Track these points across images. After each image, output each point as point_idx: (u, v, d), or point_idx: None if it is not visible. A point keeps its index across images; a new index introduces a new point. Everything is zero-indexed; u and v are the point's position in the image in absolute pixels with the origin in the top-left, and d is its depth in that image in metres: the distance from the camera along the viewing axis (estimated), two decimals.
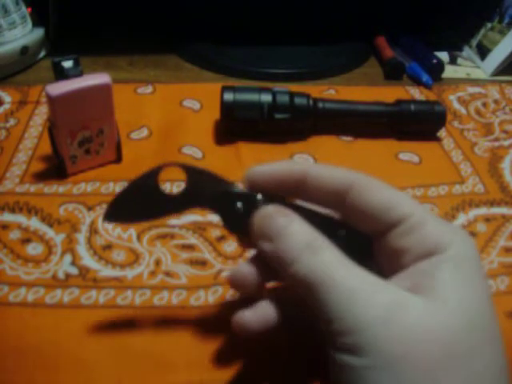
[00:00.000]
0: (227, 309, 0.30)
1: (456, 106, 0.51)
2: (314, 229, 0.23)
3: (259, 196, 0.24)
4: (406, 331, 0.19)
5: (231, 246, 0.34)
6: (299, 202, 0.25)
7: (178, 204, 0.25)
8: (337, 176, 0.24)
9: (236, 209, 0.24)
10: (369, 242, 0.24)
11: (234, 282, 0.25)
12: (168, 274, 0.32)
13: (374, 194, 0.23)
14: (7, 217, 0.35)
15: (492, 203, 0.39)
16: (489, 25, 0.61)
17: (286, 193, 0.25)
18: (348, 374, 0.19)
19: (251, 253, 0.26)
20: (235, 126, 0.43)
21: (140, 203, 0.25)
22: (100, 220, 0.35)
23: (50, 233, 0.34)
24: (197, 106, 0.48)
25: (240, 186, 0.25)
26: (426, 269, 0.21)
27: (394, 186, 0.24)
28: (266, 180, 0.25)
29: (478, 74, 0.59)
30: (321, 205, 0.25)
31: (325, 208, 0.25)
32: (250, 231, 0.24)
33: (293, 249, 0.22)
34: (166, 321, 0.29)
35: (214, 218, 0.35)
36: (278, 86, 0.44)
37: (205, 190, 0.25)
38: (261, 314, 0.24)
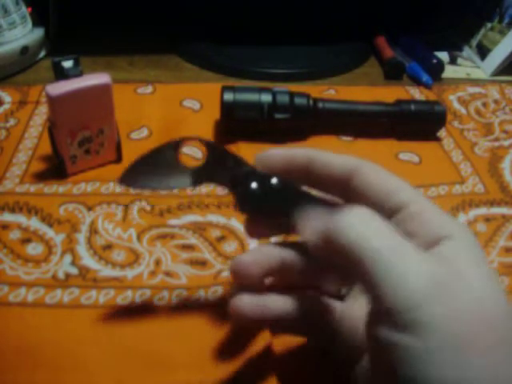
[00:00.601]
0: (227, 309, 0.30)
1: (456, 106, 0.51)
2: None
3: (274, 180, 0.24)
4: (462, 310, 0.18)
5: (231, 246, 0.34)
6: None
7: (194, 177, 0.25)
8: (341, 161, 0.24)
9: (250, 189, 0.24)
10: None
11: (235, 271, 0.24)
12: (168, 273, 0.32)
13: (375, 179, 0.23)
14: (7, 217, 0.35)
15: (492, 203, 0.39)
16: (489, 25, 0.61)
17: (294, 176, 0.25)
18: (400, 354, 0.18)
19: (253, 245, 0.26)
20: (235, 125, 0.43)
21: (157, 171, 0.25)
22: (100, 220, 0.35)
23: (49, 233, 0.34)
24: (197, 106, 0.48)
25: (257, 168, 0.25)
26: (447, 254, 0.20)
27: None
28: (274, 163, 0.25)
29: (478, 74, 0.59)
30: (326, 191, 0.25)
31: (330, 194, 0.26)
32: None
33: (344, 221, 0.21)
34: (166, 321, 0.29)
35: (214, 218, 0.35)
36: (278, 86, 0.44)
37: (222, 167, 0.25)
38: (259, 301, 0.24)
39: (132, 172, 0.25)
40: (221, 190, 0.37)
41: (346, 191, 0.24)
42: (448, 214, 0.22)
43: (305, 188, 0.25)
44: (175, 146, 0.25)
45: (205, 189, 0.38)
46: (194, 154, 0.42)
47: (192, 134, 0.25)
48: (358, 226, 0.20)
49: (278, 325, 0.26)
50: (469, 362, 0.18)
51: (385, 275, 0.19)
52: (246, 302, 0.24)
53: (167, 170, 0.25)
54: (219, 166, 0.25)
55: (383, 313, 0.19)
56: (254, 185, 0.24)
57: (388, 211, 0.23)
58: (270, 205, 0.24)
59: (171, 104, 0.48)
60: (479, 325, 0.18)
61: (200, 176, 0.25)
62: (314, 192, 0.25)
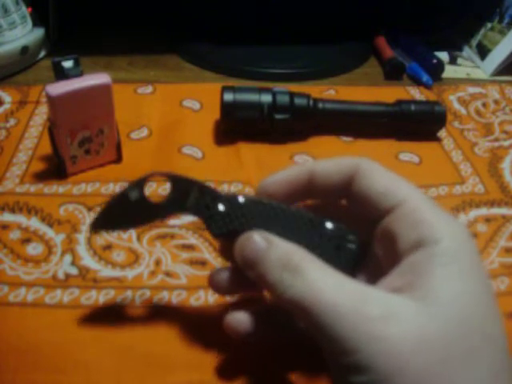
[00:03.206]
0: (227, 309, 0.30)
1: (456, 106, 0.51)
2: (293, 243, 0.23)
3: (241, 198, 0.24)
4: (398, 345, 0.18)
5: None
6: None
7: (162, 211, 0.25)
8: (342, 164, 0.24)
9: (218, 212, 0.24)
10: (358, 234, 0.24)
11: (211, 284, 0.26)
12: (168, 274, 0.32)
13: (374, 178, 0.23)
14: (7, 217, 0.35)
15: (492, 203, 0.39)
16: (489, 25, 0.61)
17: (298, 196, 0.26)
18: None
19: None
20: (235, 125, 0.43)
21: (126, 212, 0.25)
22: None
23: (49, 233, 0.34)
24: (197, 106, 0.48)
25: (221, 191, 0.25)
26: (419, 262, 0.20)
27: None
28: (277, 188, 0.25)
29: (478, 74, 0.59)
30: (330, 198, 0.26)
31: (333, 201, 0.26)
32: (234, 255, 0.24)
33: (272, 272, 0.22)
34: (166, 321, 0.29)
35: None
36: (278, 86, 0.44)
37: (188, 196, 0.25)
38: (253, 319, 0.24)
39: (103, 217, 0.26)
40: None
41: (348, 197, 0.24)
42: (443, 213, 0.22)
43: (273, 202, 0.25)
44: (140, 184, 0.25)
45: None
46: (194, 154, 0.42)
47: (155, 171, 0.25)
48: (295, 278, 0.21)
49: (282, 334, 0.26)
50: None
51: (324, 324, 0.19)
52: (240, 319, 0.25)
53: (135, 209, 0.25)
54: (185, 197, 0.25)
55: (328, 354, 0.20)
56: (221, 207, 0.24)
57: (383, 210, 0.23)
58: (241, 224, 0.24)
59: (171, 104, 0.48)
60: (416, 358, 0.18)
61: (168, 208, 0.25)
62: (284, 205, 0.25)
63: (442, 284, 0.20)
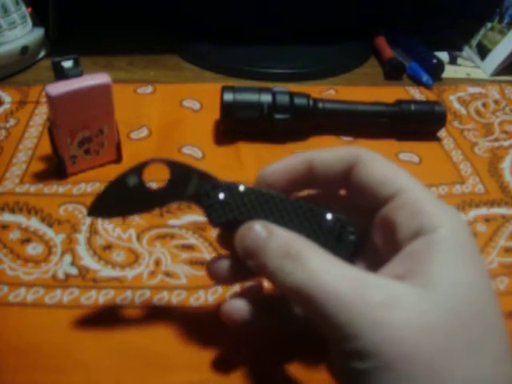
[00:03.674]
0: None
1: (456, 106, 0.51)
2: (294, 232, 0.23)
3: (241, 187, 0.24)
4: (401, 332, 0.18)
5: None
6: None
7: (161, 198, 0.25)
8: (342, 154, 0.24)
9: (218, 200, 0.24)
10: (358, 226, 0.24)
11: (209, 273, 0.25)
12: (168, 274, 0.32)
13: (374, 167, 0.23)
14: (7, 217, 0.35)
15: (492, 203, 0.39)
16: (489, 25, 0.61)
17: (297, 186, 0.25)
18: (352, 376, 0.19)
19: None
20: (235, 125, 0.43)
21: (124, 198, 0.25)
22: (100, 220, 0.35)
23: (49, 233, 0.34)
24: (197, 106, 0.48)
25: (222, 180, 0.25)
26: (418, 250, 0.21)
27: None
28: (276, 178, 0.25)
29: (478, 74, 0.59)
30: (329, 188, 0.26)
31: (332, 191, 0.26)
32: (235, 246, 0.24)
33: (272, 260, 0.21)
34: (166, 321, 0.29)
35: None
36: (278, 86, 0.44)
37: (187, 183, 0.25)
38: (251, 307, 0.24)
39: (101, 202, 0.25)
40: None
41: (347, 186, 0.25)
42: (442, 203, 0.22)
43: (273, 192, 0.24)
44: (139, 169, 0.25)
45: None
46: (194, 154, 0.42)
47: (154, 157, 0.25)
48: (295, 266, 0.21)
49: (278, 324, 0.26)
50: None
51: (326, 311, 0.19)
52: (238, 307, 0.24)
53: (134, 195, 0.25)
54: (184, 183, 0.25)
55: (330, 340, 0.20)
56: (221, 196, 0.24)
57: (382, 198, 0.23)
58: (241, 213, 0.24)
59: (171, 104, 0.48)
60: (419, 343, 0.18)
61: (167, 195, 0.25)
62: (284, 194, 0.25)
63: (442, 270, 0.20)
